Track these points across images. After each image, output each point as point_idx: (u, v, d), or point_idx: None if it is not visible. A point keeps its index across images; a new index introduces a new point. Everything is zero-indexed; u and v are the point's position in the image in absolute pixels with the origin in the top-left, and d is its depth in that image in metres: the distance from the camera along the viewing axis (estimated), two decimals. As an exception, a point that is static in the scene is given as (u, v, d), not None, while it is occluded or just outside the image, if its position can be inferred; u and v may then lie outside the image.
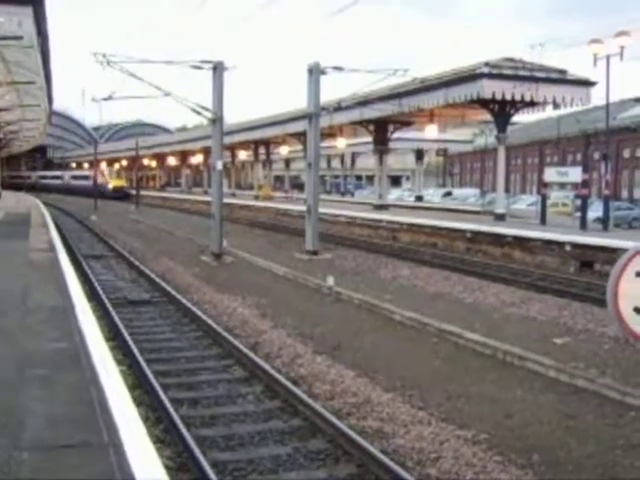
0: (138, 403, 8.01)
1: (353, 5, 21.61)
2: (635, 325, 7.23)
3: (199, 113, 25.77)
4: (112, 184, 78.01)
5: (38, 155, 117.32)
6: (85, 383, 6.51)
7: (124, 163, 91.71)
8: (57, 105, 74.66)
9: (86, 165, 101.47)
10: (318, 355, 11.94)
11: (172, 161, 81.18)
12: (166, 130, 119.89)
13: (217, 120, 25.64)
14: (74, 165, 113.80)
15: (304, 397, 9.41)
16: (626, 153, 58.26)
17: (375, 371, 10.93)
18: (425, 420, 8.83)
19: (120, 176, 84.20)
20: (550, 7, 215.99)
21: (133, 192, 73.51)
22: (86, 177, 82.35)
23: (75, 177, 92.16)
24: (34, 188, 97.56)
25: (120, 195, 75.27)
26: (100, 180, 75.44)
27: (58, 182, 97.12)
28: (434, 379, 10.64)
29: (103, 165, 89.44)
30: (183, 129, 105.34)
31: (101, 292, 17.28)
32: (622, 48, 28.76)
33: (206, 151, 55.64)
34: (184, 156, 76.93)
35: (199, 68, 25.07)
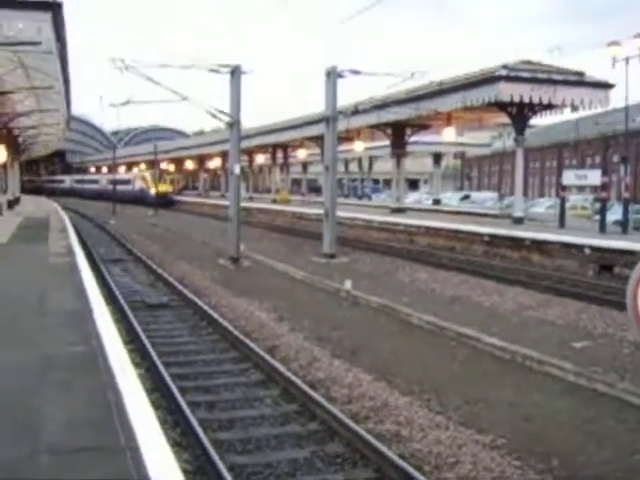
0: (156, 406, 8.01)
1: (370, 8, 21.46)
2: (655, 329, 7.14)
3: (216, 117, 25.84)
4: (155, 189, 68.32)
5: (57, 159, 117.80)
6: (103, 386, 6.52)
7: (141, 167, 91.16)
8: (75, 110, 74.03)
9: (105, 169, 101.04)
10: (336, 359, 11.91)
11: (190, 165, 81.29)
12: (183, 134, 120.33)
13: (234, 124, 25.70)
14: (93, 170, 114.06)
15: (322, 400, 9.39)
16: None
17: (393, 375, 10.90)
18: (443, 424, 8.79)
19: (164, 180, 73.72)
20: (564, 11, 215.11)
21: (178, 198, 70.33)
22: (127, 182, 76.71)
23: (115, 182, 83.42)
24: (68, 194, 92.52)
25: (165, 202, 66.86)
26: (141, 185, 71.91)
27: (93, 187, 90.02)
28: (452, 383, 10.59)
29: (141, 167, 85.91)
30: (200, 133, 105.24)
31: (119, 295, 17.34)
32: (641, 50, 28.56)
33: (224, 155, 55.76)
34: (201, 160, 77.14)
35: (217, 72, 25.15)
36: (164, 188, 70.34)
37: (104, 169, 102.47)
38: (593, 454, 7.85)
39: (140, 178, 73.37)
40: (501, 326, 14.08)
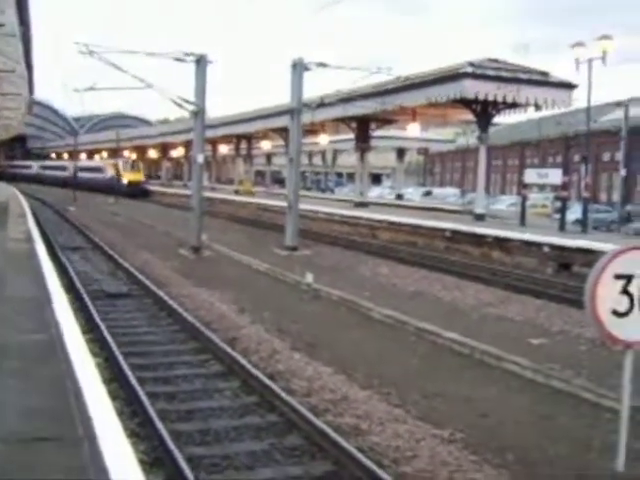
0: (114, 397, 7.95)
1: (336, 3, 21.48)
2: (613, 328, 7.26)
3: (181, 106, 25.66)
4: (127, 178, 65.24)
5: (17, 145, 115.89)
6: (61, 376, 6.45)
7: (104, 155, 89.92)
8: (38, 94, 72.78)
9: (66, 155, 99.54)
10: (296, 351, 11.91)
11: (153, 154, 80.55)
12: (147, 122, 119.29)
13: (199, 113, 25.55)
14: (54, 155, 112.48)
15: (281, 393, 9.38)
16: (606, 156, 58.62)
17: (352, 368, 10.93)
18: (401, 418, 8.84)
19: (137, 168, 69.98)
20: (529, 10, 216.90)
21: (151, 188, 67.41)
22: (97, 169, 73.47)
23: (83, 169, 77.24)
24: (33, 180, 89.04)
25: (137, 191, 63.48)
26: (112, 173, 67.71)
27: (61, 174, 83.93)
28: (411, 377, 10.65)
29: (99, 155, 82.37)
30: (165, 122, 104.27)
31: (78, 284, 17.15)
32: (604, 52, 28.88)
33: (187, 144, 55.36)
34: (165, 149, 76.51)
35: (182, 61, 24.98)
36: (137, 177, 67.32)
37: (65, 155, 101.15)
38: (548, 450, 7.95)
39: (111, 166, 69.84)
40: (461, 322, 14.18)
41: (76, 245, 26.93)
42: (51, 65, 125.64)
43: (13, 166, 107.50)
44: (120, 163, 70.15)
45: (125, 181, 64.75)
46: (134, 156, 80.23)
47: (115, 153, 72.87)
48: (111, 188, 61.62)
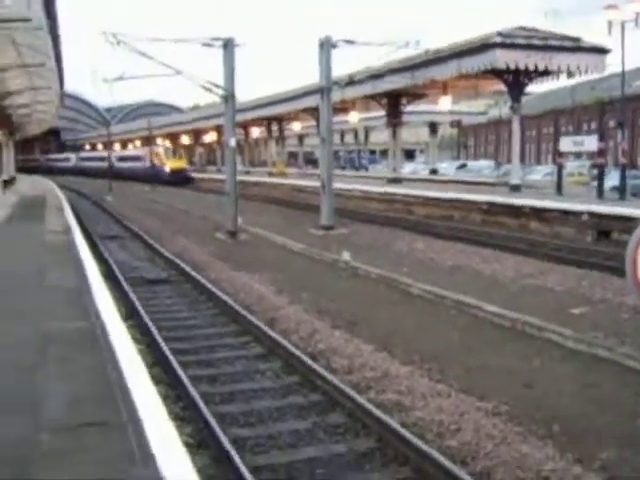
0: (157, 381, 8.02)
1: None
2: (655, 293, 7.15)
3: (211, 91, 25.71)
4: (170, 166, 63.17)
5: (52, 138, 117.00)
6: (103, 363, 6.52)
7: (137, 144, 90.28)
8: (68, 87, 73.05)
9: (100, 146, 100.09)
10: (336, 330, 11.92)
11: (185, 140, 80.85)
12: (178, 109, 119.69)
13: (229, 97, 25.56)
14: (88, 147, 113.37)
15: (322, 372, 9.40)
16: (642, 121, 57.66)
17: (393, 345, 10.91)
18: (444, 392, 8.80)
19: (180, 155, 69.13)
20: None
21: (195, 175, 65.43)
22: (137, 158, 71.29)
23: (122, 158, 76.64)
24: (72, 172, 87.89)
25: (180, 179, 61.21)
26: (153, 161, 65.18)
27: (101, 164, 78.85)
28: (453, 351, 10.60)
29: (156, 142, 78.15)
30: (196, 108, 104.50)
31: (117, 272, 17.31)
32: (638, 14, 28.29)
33: (219, 129, 55.47)
34: (197, 135, 76.79)
35: (210, 46, 24.95)
36: (179, 164, 65.30)
37: (100, 146, 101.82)
38: (594, 419, 7.88)
39: (153, 154, 67.19)
40: (501, 294, 14.09)
41: (114, 234, 27.17)
42: (80, 56, 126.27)
43: (50, 159, 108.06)
44: (161, 151, 69.12)
45: (167, 169, 63.04)
46: (167, 143, 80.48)
47: (148, 141, 72.82)
48: (153, 176, 60.11)
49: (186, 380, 9.09)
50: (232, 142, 25.97)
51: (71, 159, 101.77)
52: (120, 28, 23.53)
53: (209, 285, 15.65)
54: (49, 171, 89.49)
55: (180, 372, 9.41)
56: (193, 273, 17.19)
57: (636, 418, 7.84)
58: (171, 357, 10.08)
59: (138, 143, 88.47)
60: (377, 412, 7.92)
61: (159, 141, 79.39)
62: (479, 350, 10.66)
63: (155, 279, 17.42)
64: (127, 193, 52.58)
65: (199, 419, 7.97)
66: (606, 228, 21.40)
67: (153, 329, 11.69)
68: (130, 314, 13.00)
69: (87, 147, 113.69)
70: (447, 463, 6.59)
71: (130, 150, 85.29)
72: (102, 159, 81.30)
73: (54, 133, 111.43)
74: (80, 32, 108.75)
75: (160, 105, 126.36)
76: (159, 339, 11.07)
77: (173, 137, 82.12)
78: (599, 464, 6.77)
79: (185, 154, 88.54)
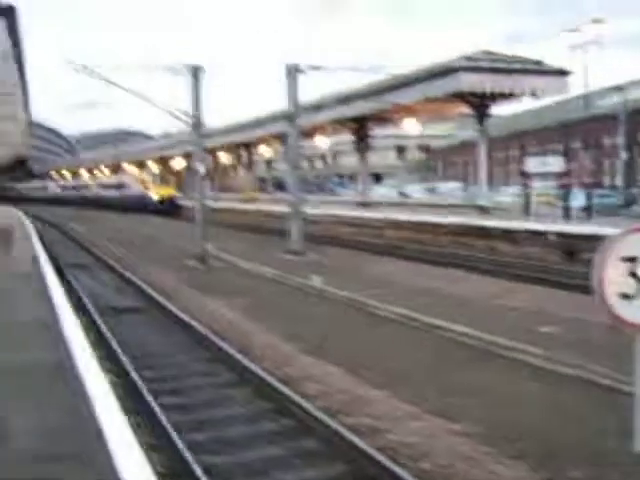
0: (128, 411, 7.96)
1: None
2: (621, 311, 7.25)
3: (179, 118, 25.73)
4: (158, 193, 58.40)
5: (18, 167, 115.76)
6: (73, 393, 6.47)
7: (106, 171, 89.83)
8: (36, 116, 72.46)
9: (68, 174, 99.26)
10: (306, 355, 11.91)
11: (154, 168, 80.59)
12: (147, 137, 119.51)
13: (197, 124, 25.60)
14: (55, 175, 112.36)
15: (294, 397, 9.39)
16: (606, 141, 58.50)
17: (363, 367, 10.91)
18: (416, 414, 8.82)
19: (167, 181, 65.45)
20: (507, 5, 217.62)
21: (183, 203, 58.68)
22: (121, 186, 66.80)
23: (105, 186, 72.41)
24: (50, 202, 78.76)
25: (170, 208, 55.73)
26: (136, 189, 60.82)
27: (85, 194, 77.25)
28: (422, 373, 10.64)
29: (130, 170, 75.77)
30: (166, 135, 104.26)
31: (86, 300, 17.17)
32: (598, 36, 28.88)
33: (188, 156, 55.32)
34: (166, 162, 76.61)
35: (177, 73, 25.01)
36: (168, 192, 60.01)
37: (67, 174, 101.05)
38: (566, 437, 7.93)
39: (138, 181, 63.82)
40: (469, 315, 14.16)
41: (82, 262, 26.92)
42: (47, 85, 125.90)
43: (24, 188, 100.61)
44: (148, 178, 66.03)
45: (155, 197, 58.10)
46: (136, 171, 79.76)
47: (117, 169, 72.33)
48: (141, 205, 56.69)
49: (157, 409, 9.02)
50: (201, 168, 26.00)
51: (49, 187, 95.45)
52: (87, 57, 23.53)
53: (179, 312, 15.55)
54: (17, 201, 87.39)
55: (151, 401, 9.34)
56: (162, 300, 17.09)
57: (606, 435, 7.91)
58: (142, 385, 10.01)
59: (107, 171, 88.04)
60: (349, 435, 7.92)
61: (126, 168, 78.93)
62: (449, 371, 10.70)
63: (123, 307, 17.31)
64: (92, 219, 52.11)
65: (170, 448, 7.91)
66: (573, 247, 21.67)
67: (123, 358, 11.60)
68: (100, 343, 12.88)
69: (54, 175, 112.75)
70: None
71: (113, 177, 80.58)
72: (82, 187, 79.15)
73: (21, 162, 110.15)
74: (47, 61, 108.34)
75: (129, 133, 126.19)
76: (129, 368, 10.98)
77: (141, 165, 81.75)
78: (570, 482, 6.82)
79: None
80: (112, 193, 67.41)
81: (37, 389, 6.75)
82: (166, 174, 72.57)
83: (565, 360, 10.58)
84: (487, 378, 10.24)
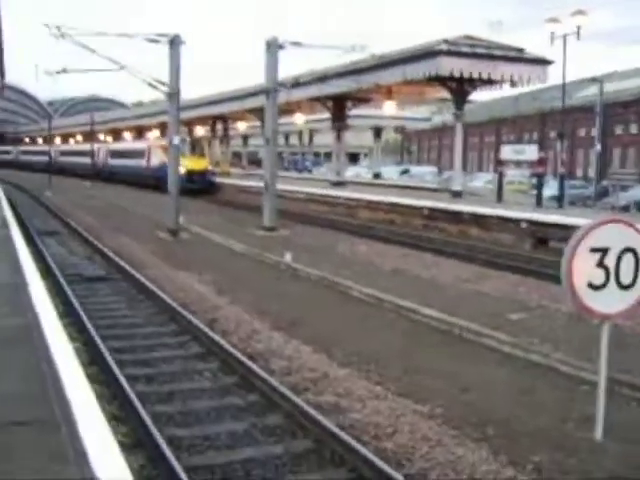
0: (93, 380, 7.90)
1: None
2: (589, 301, 7.31)
3: (155, 87, 25.44)
4: (187, 166, 40.68)
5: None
6: (38, 360, 6.40)
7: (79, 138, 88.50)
8: (10, 78, 70.90)
9: (40, 140, 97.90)
10: (275, 331, 11.90)
11: (128, 137, 79.70)
12: (122, 105, 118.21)
13: (174, 95, 25.34)
14: (27, 140, 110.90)
15: (261, 373, 9.38)
16: (581, 132, 58.96)
17: (332, 346, 10.93)
18: (382, 395, 8.86)
19: (200, 152, 48.78)
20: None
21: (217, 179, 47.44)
22: (139, 154, 52.41)
23: (117, 154, 59.61)
24: (46, 170, 61.30)
25: (202, 185, 43.79)
26: (162, 159, 41.85)
27: (86, 161, 66.28)
28: (391, 354, 10.67)
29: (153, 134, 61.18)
30: (139, 104, 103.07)
31: (55, 268, 17.01)
32: (579, 27, 28.93)
33: (163, 126, 54.70)
34: (140, 132, 75.78)
35: (155, 42, 24.72)
36: (200, 165, 45.68)
37: (40, 140, 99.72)
38: (528, 422, 8.00)
39: (160, 149, 45.08)
40: (439, 298, 14.22)
41: (52, 229, 26.69)
42: (23, 48, 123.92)
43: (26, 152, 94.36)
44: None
45: (183, 170, 36.07)
46: (110, 139, 78.19)
47: (90, 137, 71.04)
48: (162, 181, 35.14)
49: (123, 379, 8.97)
50: (176, 140, 25.78)
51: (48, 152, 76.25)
52: (64, 21, 23.18)
53: (147, 283, 15.47)
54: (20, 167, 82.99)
55: (116, 371, 9.29)
56: (132, 271, 16.98)
57: (568, 422, 8.00)
58: (108, 355, 9.95)
59: (79, 138, 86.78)
60: (314, 413, 7.93)
61: (101, 137, 77.86)
62: (417, 354, 10.75)
63: (93, 276, 17.19)
64: (66, 187, 51.53)
65: (135, 419, 7.87)
66: (544, 235, 21.82)
67: (90, 327, 11.51)
68: (67, 311, 12.79)
69: (27, 140, 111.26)
70: (383, 465, 6.64)
71: (129, 143, 67.00)
72: (85, 154, 68.15)
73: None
74: (24, 24, 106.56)
75: (104, 100, 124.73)
76: (96, 337, 10.91)
77: (116, 133, 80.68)
78: (532, 467, 6.89)
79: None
80: (127, 163, 54.93)
81: (1, 353, 6.67)
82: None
83: (532, 348, 10.67)
84: (455, 362, 10.30)
